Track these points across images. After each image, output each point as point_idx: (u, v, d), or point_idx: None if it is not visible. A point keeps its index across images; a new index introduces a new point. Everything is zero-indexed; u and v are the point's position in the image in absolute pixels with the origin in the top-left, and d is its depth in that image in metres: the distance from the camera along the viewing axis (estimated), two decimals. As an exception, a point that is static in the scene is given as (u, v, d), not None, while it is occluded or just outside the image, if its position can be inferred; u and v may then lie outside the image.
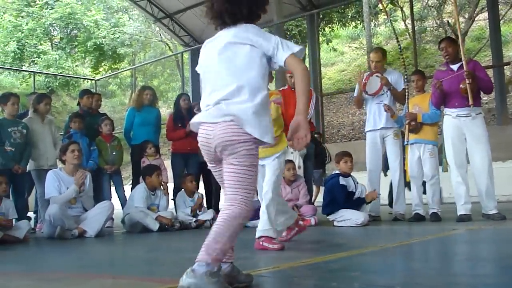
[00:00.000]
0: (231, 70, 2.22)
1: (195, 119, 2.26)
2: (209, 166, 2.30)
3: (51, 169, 6.24)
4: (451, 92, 5.64)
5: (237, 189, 2.12)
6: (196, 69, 2.40)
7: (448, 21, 21.14)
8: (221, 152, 2.15)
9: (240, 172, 2.12)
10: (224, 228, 2.04)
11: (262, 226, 3.87)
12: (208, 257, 1.96)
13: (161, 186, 6.74)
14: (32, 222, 7.02)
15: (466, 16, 20.76)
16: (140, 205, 6.22)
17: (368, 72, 6.61)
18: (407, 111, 6.01)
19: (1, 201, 5.59)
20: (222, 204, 7.28)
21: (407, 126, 6.04)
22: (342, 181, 5.86)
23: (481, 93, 5.79)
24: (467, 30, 20.55)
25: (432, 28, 22.88)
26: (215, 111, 2.17)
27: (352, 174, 6.03)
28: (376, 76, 6.28)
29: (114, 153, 7.29)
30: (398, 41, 7.00)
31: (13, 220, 5.76)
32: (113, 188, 7.58)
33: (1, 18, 27.02)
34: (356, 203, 5.85)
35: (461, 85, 5.48)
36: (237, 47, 2.25)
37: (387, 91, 6.26)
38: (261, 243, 3.81)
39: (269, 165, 4.00)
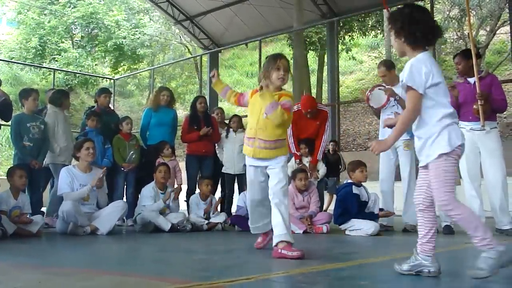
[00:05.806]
0: None
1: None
2: None
3: (68, 164, 6.29)
4: (465, 105, 5.59)
5: None
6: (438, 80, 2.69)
7: (468, 33, 20.98)
8: None
9: None
10: None
11: (278, 230, 3.57)
12: None
13: (170, 186, 6.72)
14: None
15: (488, 29, 20.60)
16: (147, 203, 6.25)
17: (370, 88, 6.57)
18: None
19: (18, 194, 5.66)
20: (234, 207, 7.32)
21: None
22: (355, 190, 5.85)
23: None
24: (488, 43, 20.39)
25: (452, 40, 22.72)
26: None
27: (364, 184, 6.02)
28: (379, 89, 6.22)
29: (132, 151, 7.32)
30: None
31: (28, 215, 5.83)
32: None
33: (25, 15, 27.38)
34: (368, 216, 5.82)
35: (474, 106, 5.44)
36: None
37: (397, 102, 6.09)
38: (279, 250, 3.48)
39: (273, 170, 3.73)
